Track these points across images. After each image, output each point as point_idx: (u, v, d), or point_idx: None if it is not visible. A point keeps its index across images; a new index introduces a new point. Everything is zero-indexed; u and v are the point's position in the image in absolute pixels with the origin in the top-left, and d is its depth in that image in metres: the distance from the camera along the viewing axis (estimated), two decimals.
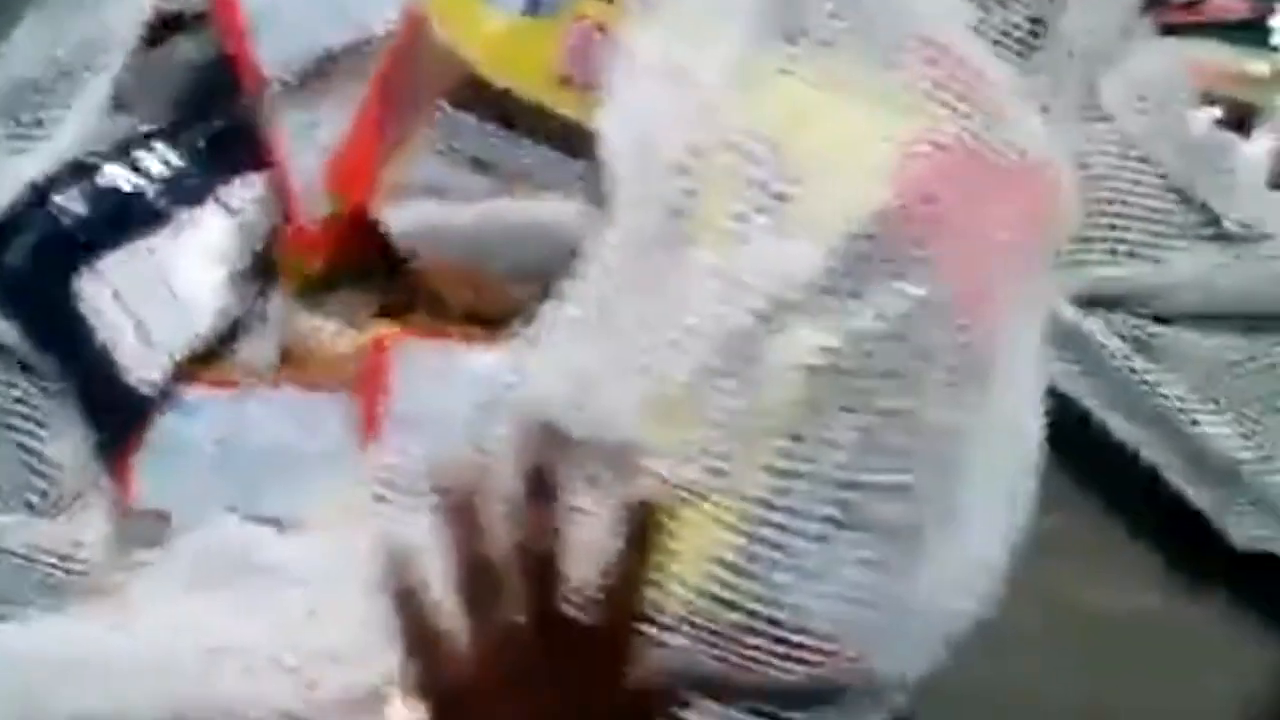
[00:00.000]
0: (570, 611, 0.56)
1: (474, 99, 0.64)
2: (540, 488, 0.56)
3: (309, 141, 0.69)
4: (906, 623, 0.61)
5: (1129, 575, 0.82)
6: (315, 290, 0.72)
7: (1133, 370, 0.74)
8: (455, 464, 0.58)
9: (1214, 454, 0.74)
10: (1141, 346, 0.74)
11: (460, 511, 0.56)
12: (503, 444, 0.58)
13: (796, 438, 0.55)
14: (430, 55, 0.65)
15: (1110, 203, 0.74)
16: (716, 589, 0.57)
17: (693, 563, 0.57)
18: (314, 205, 0.69)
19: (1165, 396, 0.73)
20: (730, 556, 0.56)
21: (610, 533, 0.55)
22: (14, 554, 0.66)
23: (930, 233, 0.54)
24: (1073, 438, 0.78)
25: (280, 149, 0.70)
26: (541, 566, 0.56)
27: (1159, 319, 0.74)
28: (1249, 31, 0.79)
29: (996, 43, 0.74)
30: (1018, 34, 0.74)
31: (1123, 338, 0.74)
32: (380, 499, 0.62)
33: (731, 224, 0.54)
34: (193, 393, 0.69)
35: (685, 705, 0.60)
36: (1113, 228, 0.74)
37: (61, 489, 0.67)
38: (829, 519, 0.56)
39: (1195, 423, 0.74)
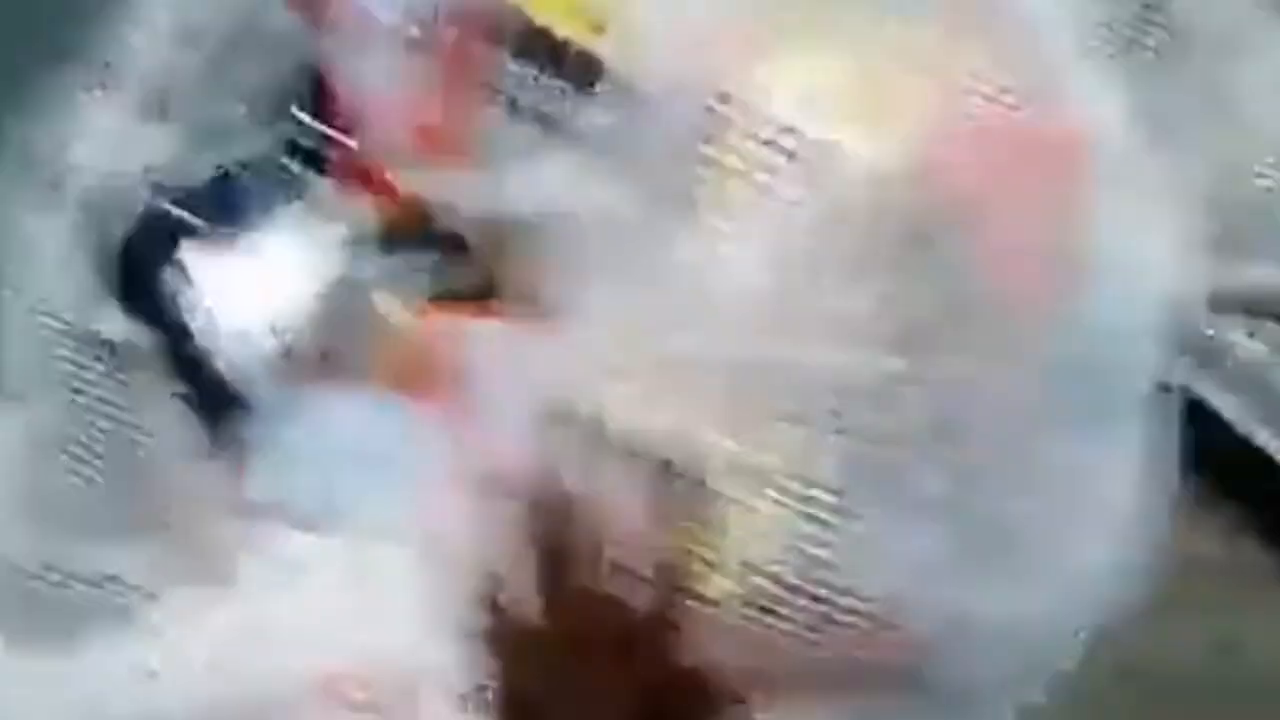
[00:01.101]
0: (614, 592, 0.56)
1: (534, 50, 0.62)
2: (572, 474, 0.57)
3: (386, 95, 0.67)
4: (980, 619, 0.59)
5: (1264, 593, 0.79)
6: (382, 252, 0.70)
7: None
8: (524, 461, 0.58)
9: None
10: None
11: (530, 507, 0.58)
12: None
13: (844, 413, 0.53)
14: (495, 16, 0.63)
15: (1250, 202, 0.71)
16: (768, 567, 0.55)
17: (745, 541, 0.55)
18: (391, 159, 0.68)
19: None
20: (784, 534, 0.55)
21: (651, 513, 0.55)
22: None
23: (962, 200, 0.52)
24: (1215, 451, 0.76)
25: (350, 95, 0.68)
26: (580, 549, 0.57)
27: None
28: None
29: (1103, 26, 0.70)
30: (1126, 20, 0.71)
31: (1268, 347, 0.71)
32: (453, 496, 0.61)
33: (757, 193, 0.53)
34: (282, 388, 0.68)
35: (743, 696, 0.60)
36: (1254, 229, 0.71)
37: (168, 492, 0.66)
38: (886, 496, 0.54)
39: None
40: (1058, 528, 0.60)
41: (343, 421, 0.67)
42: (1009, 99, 0.53)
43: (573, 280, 0.56)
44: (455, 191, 0.65)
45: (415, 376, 0.67)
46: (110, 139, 0.66)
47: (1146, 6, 0.71)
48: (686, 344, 0.54)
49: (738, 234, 0.53)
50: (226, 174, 0.68)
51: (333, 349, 0.69)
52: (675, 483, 0.55)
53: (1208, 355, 0.73)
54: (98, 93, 0.67)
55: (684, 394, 0.55)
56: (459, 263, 0.69)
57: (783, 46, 0.54)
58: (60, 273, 0.66)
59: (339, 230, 0.69)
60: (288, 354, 0.68)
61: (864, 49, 0.54)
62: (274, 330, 0.67)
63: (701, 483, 0.55)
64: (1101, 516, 0.62)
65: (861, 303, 0.52)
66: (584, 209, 0.55)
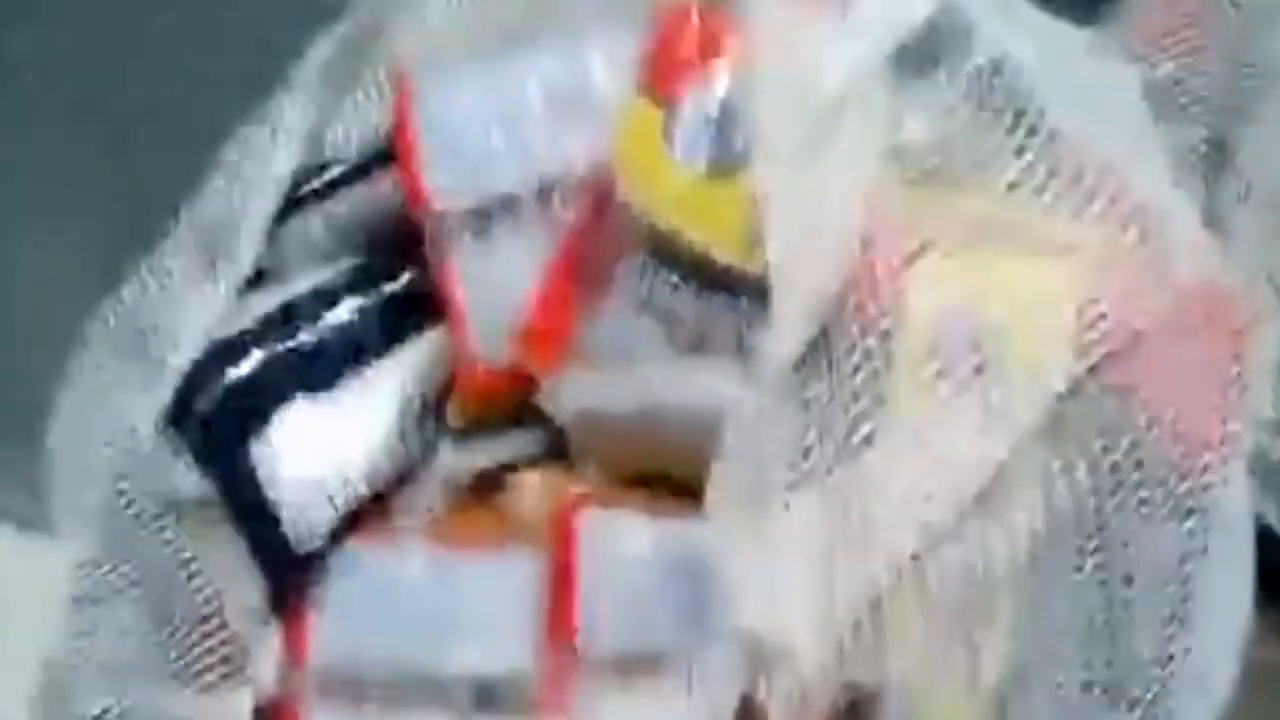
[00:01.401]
0: None
1: (665, 255, 0.61)
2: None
3: (483, 281, 0.66)
4: None
5: None
6: (476, 430, 0.69)
7: None
8: None
9: None
10: None
11: None
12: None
13: (1024, 609, 0.53)
14: (618, 212, 0.62)
15: None
16: None
17: None
18: (488, 349, 0.66)
19: None
20: None
21: None
22: None
23: (1132, 382, 0.52)
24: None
25: (453, 287, 0.67)
26: None
27: None
28: None
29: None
30: (1196, 155, 0.72)
31: None
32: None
33: (931, 407, 0.53)
34: (354, 547, 0.66)
35: None
36: None
37: (235, 649, 0.65)
38: (1069, 689, 0.54)
39: None
40: (1207, 681, 0.59)
41: (411, 580, 0.65)
42: (1160, 262, 0.54)
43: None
44: (562, 386, 0.64)
45: (489, 538, 0.66)
46: (213, 308, 0.66)
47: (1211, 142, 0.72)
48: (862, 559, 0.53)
49: (911, 442, 0.53)
50: (297, 323, 0.66)
51: (402, 506, 0.68)
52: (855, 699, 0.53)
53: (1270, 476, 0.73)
54: (194, 258, 0.67)
55: (866, 617, 0.53)
56: (535, 436, 0.68)
57: (931, 249, 0.54)
58: (138, 425, 0.65)
59: (417, 391, 0.68)
60: (356, 510, 0.66)
61: (1006, 241, 0.54)
62: (344, 486, 0.65)
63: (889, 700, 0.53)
64: (1226, 657, 0.61)
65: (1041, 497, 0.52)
66: (739, 412, 0.54)
